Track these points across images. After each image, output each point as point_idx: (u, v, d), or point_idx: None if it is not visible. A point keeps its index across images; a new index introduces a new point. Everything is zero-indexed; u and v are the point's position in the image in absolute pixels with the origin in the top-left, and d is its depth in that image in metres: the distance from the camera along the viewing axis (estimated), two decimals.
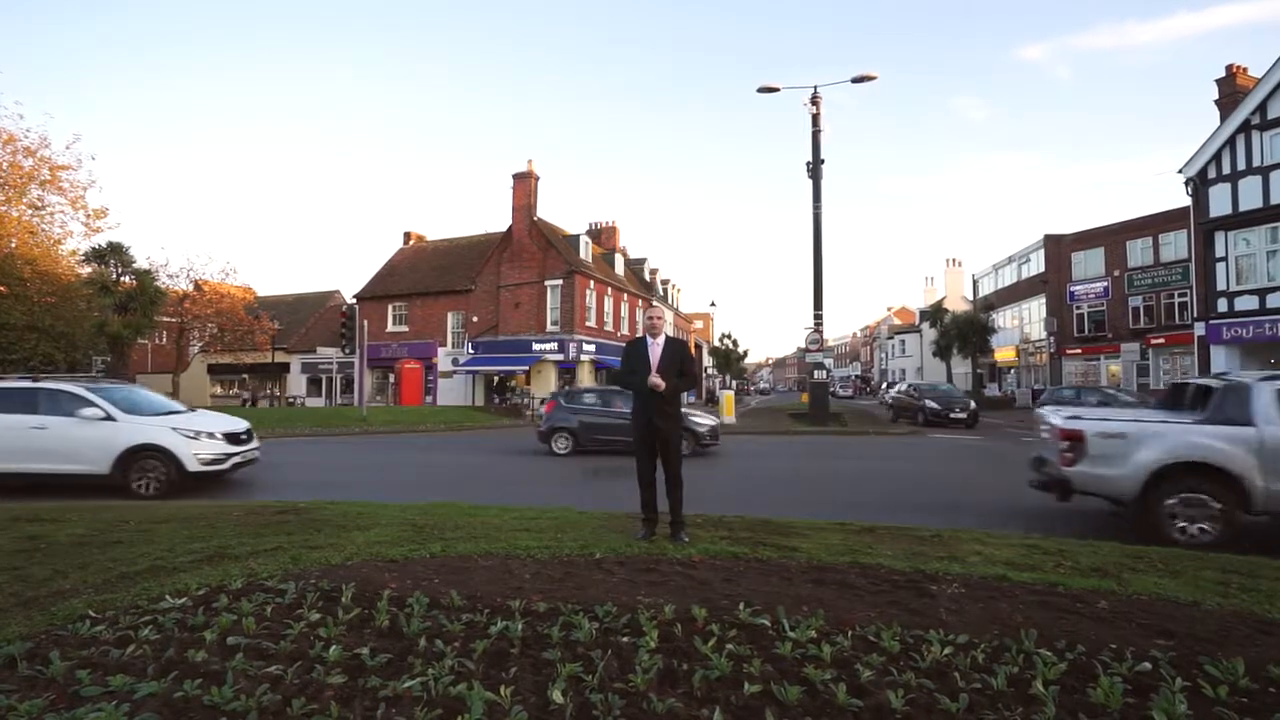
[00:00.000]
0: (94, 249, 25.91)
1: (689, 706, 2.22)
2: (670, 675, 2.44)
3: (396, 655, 2.63)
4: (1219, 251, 20.95)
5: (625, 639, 2.78)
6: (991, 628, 2.97)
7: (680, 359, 5.02)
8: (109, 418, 8.58)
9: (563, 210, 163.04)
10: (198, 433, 8.86)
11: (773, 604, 3.21)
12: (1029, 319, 38.22)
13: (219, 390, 40.68)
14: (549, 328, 30.46)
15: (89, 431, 8.50)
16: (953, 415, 21.23)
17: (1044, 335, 34.90)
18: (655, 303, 41.38)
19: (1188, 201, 22.40)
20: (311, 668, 2.50)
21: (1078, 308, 33.23)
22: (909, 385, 27.16)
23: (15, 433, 8.50)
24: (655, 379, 4.82)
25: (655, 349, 5.00)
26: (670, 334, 5.33)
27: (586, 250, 33.30)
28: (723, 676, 2.41)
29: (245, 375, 38.80)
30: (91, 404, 8.68)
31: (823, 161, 19.12)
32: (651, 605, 3.20)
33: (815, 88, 19.17)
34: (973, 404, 22.07)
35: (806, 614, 3.08)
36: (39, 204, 25.10)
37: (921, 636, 2.80)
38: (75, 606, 3.33)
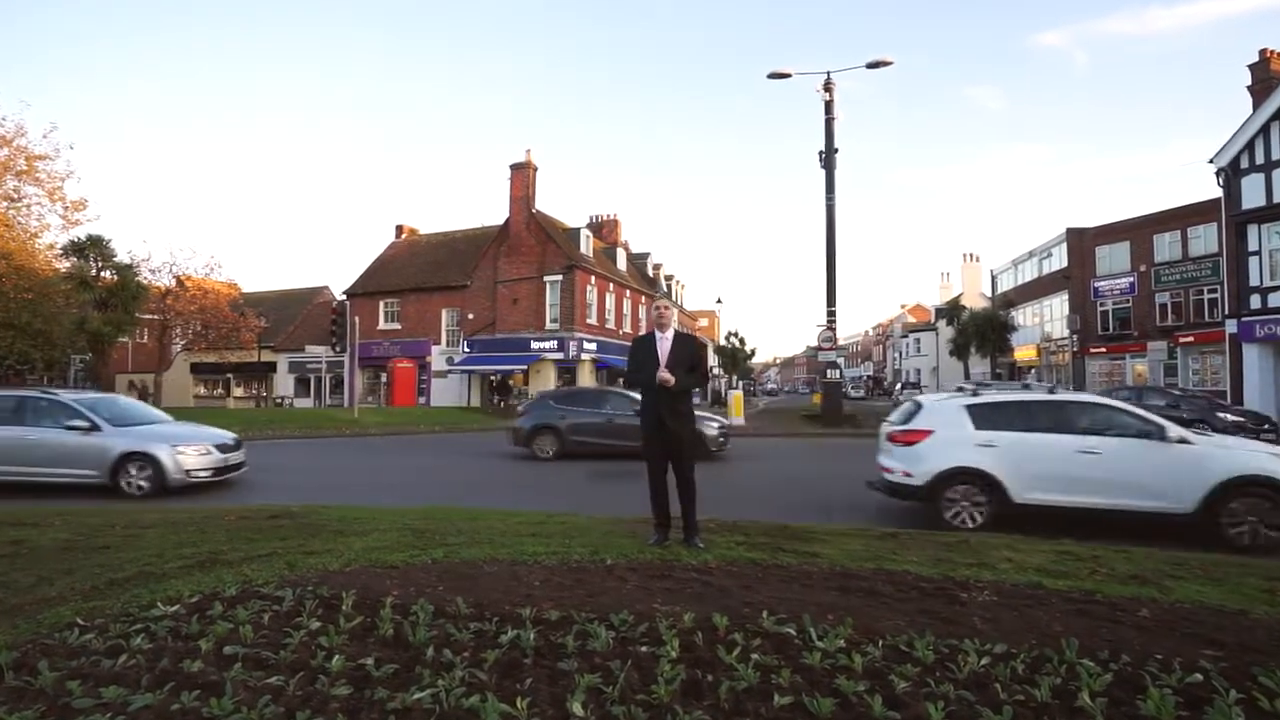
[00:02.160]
0: (73, 242, 25.93)
1: (716, 719, 2.20)
2: (694, 686, 2.42)
3: (403, 666, 2.61)
4: (1252, 245, 20.90)
5: (644, 648, 2.76)
6: (1029, 637, 2.95)
7: (690, 355, 4.99)
8: None
9: (562, 203, 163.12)
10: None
11: (797, 612, 3.19)
12: (1050, 316, 38.13)
13: (203, 391, 40.74)
14: (548, 325, 30.46)
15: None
16: None
17: (1066, 333, 34.81)
18: (659, 296, 41.33)
19: (1218, 193, 22.36)
20: (314, 678, 2.48)
21: (1102, 304, 33.14)
22: (974, 385, 24.83)
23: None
24: (663, 373, 4.79)
25: (664, 344, 4.97)
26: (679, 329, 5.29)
27: (587, 244, 33.31)
28: (750, 688, 2.39)
29: (230, 375, 38.86)
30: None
31: (836, 151, 19.09)
32: (669, 613, 3.17)
33: (828, 73, 19.16)
34: None
35: (833, 622, 3.06)
36: (15, 195, 25.15)
37: (956, 646, 2.78)
38: (62, 614, 3.32)
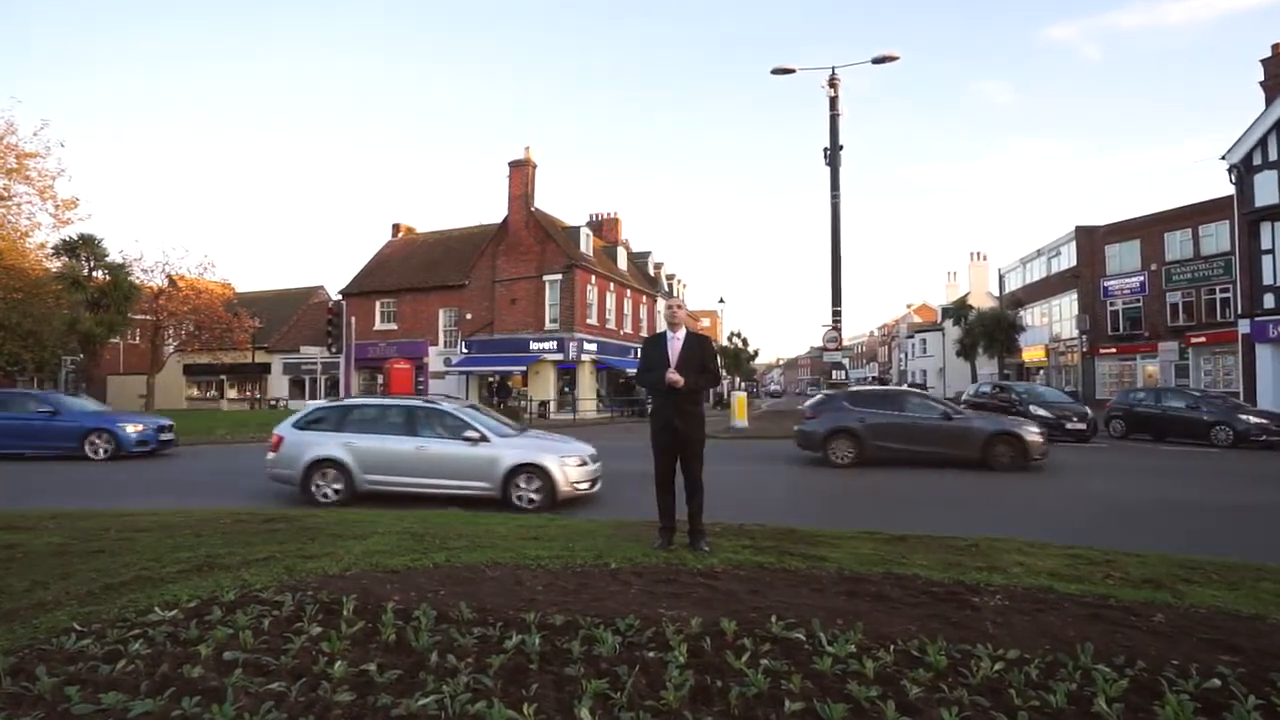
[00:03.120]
0: (64, 241, 26.00)
1: None
2: (703, 692, 2.43)
3: (406, 671, 2.61)
4: (1265, 243, 20.90)
5: (651, 654, 2.77)
6: (1042, 642, 2.96)
7: (702, 355, 5.00)
8: None
9: (562, 201, 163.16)
10: None
11: (805, 617, 3.20)
12: (1059, 316, 38.16)
13: (195, 392, 40.78)
14: (547, 325, 30.46)
15: None
16: (1069, 426, 17.70)
17: (1075, 333, 34.83)
18: (662, 296, 41.39)
19: (1231, 190, 22.37)
20: (316, 684, 2.49)
21: (1112, 304, 33.16)
22: (993, 385, 22.68)
23: None
24: (673, 375, 4.80)
25: (675, 344, 4.98)
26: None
27: (587, 243, 33.32)
28: (760, 693, 2.39)
29: (224, 376, 38.90)
30: None
31: (841, 148, 19.06)
32: (676, 618, 3.18)
33: (833, 68, 19.12)
34: (1088, 411, 19.02)
35: (843, 627, 3.07)
36: (5, 194, 25.17)
37: (969, 651, 2.78)
38: (59, 619, 3.32)
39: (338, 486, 8.75)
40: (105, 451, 14.05)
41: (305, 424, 9.40)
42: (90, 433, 14.16)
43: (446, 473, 8.76)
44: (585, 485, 8.80)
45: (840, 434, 12.80)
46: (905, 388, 17.01)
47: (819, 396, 15.47)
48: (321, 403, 10.42)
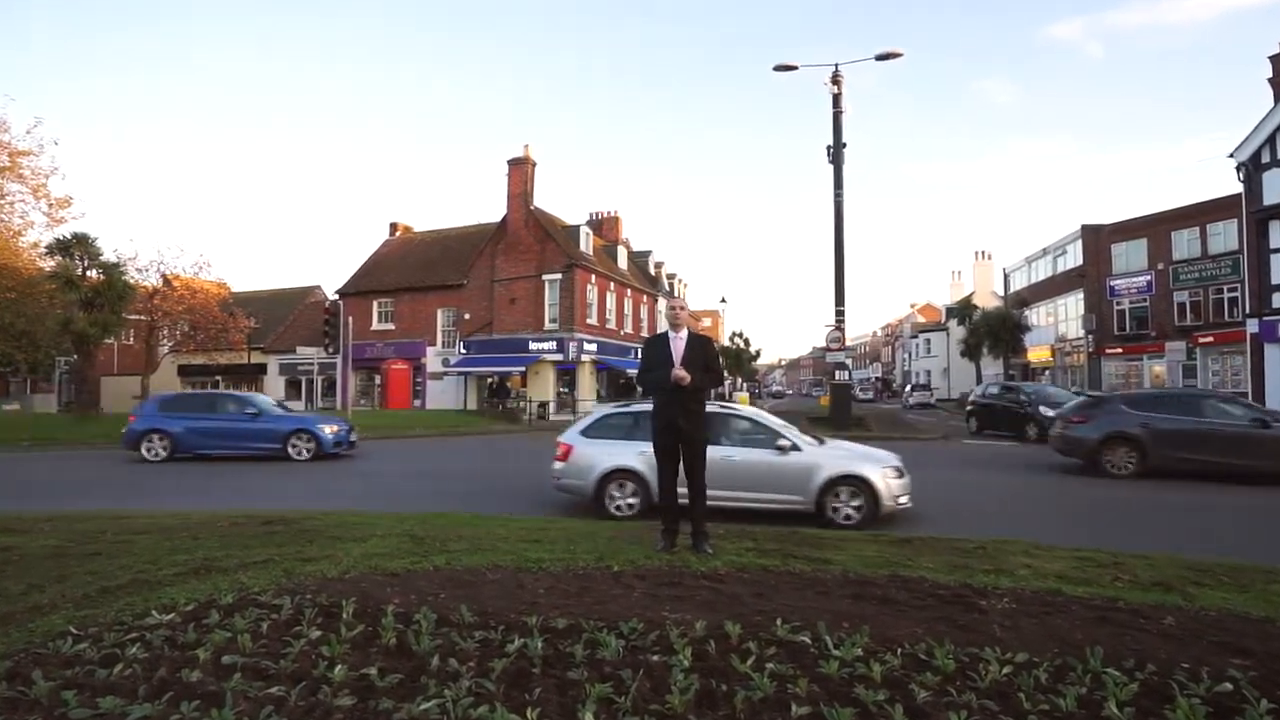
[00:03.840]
0: (57, 240, 25.95)
1: None
2: (709, 696, 2.43)
3: (407, 675, 2.61)
4: (1273, 242, 20.91)
5: (655, 657, 2.77)
6: (1051, 645, 2.96)
7: (705, 355, 5.01)
8: None
9: (562, 199, 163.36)
10: None
11: (811, 619, 3.20)
12: (1065, 316, 38.13)
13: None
14: (547, 325, 30.49)
15: None
16: None
17: (1081, 333, 34.82)
18: (662, 295, 41.40)
19: (1239, 188, 22.36)
20: (317, 688, 2.49)
21: (1118, 304, 33.13)
22: (1001, 386, 21.96)
23: None
24: (680, 372, 4.80)
25: (678, 344, 4.99)
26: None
27: (587, 242, 33.34)
28: (766, 697, 2.39)
29: (219, 377, 38.88)
30: None
31: (844, 145, 19.12)
32: (680, 621, 3.18)
33: (836, 66, 19.20)
34: None
35: (849, 630, 3.07)
36: None
37: (977, 655, 2.78)
38: (55, 623, 3.32)
39: (634, 499, 8.09)
40: (308, 452, 14.23)
41: (594, 431, 8.75)
42: (293, 434, 14.42)
43: (755, 485, 7.98)
44: (905, 499, 8.03)
45: (1118, 440, 11.48)
46: (1197, 389, 15.32)
47: (1083, 398, 14.33)
48: (608, 408, 9.72)
